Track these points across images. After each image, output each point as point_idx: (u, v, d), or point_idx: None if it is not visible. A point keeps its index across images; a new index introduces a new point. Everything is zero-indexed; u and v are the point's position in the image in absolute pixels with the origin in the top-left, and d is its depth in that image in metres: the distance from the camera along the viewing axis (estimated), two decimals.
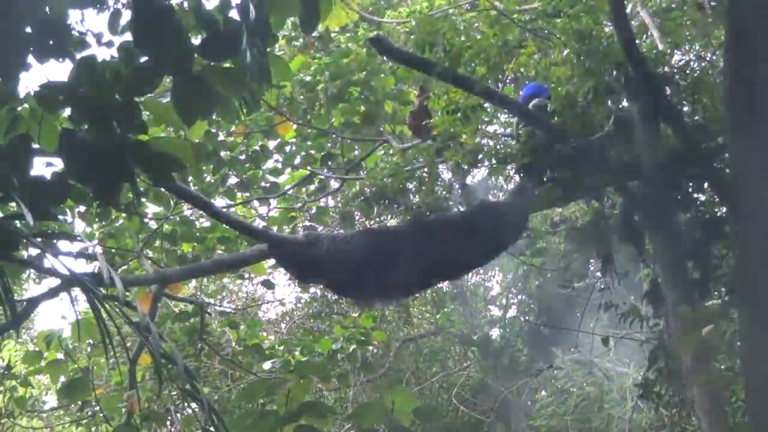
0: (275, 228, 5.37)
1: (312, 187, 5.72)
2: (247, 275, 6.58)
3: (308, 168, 5.40)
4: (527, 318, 8.64)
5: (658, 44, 3.82)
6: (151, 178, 2.17)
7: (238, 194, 5.31)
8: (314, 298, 8.57)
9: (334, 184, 5.65)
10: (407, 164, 3.96)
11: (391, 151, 4.74)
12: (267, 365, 4.16)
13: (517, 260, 5.10)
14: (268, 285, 5.47)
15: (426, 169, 3.96)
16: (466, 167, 3.78)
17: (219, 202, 5.18)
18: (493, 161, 3.75)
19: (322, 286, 6.27)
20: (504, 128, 4.55)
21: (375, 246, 3.36)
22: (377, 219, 5.29)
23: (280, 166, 5.54)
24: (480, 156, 3.74)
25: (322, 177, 5.47)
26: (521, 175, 3.76)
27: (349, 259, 3.30)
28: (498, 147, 3.74)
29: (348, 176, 5.29)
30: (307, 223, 5.53)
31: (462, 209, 3.99)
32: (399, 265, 3.29)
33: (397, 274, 3.28)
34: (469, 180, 4.19)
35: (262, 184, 5.45)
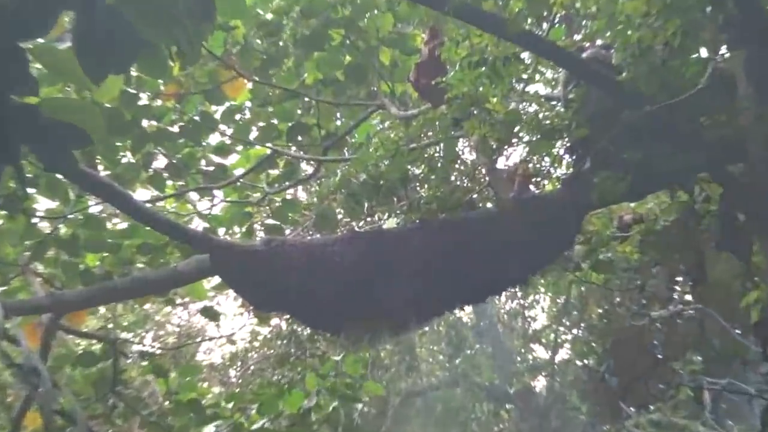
0: (221, 231, 5.49)
1: (275, 173, 5.78)
2: (180, 300, 6.69)
3: (269, 145, 5.49)
4: (586, 361, 8.71)
5: None
6: (42, 160, 2.18)
7: (169, 182, 5.38)
8: (277, 333, 8.61)
9: (307, 168, 5.68)
10: (412, 140, 4.01)
11: (388, 122, 4.83)
12: (209, 430, 4.22)
13: (570, 278, 5.15)
14: (211, 314, 5.52)
15: (439, 148, 4.12)
16: (495, 144, 3.86)
17: (141, 193, 5.34)
18: (535, 135, 3.82)
19: (288, 316, 6.32)
20: (550, 89, 4.68)
21: (366, 257, 3.50)
22: (368, 219, 5.51)
23: (228, 141, 5.61)
24: (515, 128, 3.82)
25: (289, 158, 5.53)
26: (574, 155, 3.87)
27: (327, 275, 3.47)
28: (541, 115, 3.80)
29: (327, 157, 5.30)
30: (269, 222, 5.61)
31: (491, 205, 4.09)
32: (400, 283, 3.48)
33: (397, 296, 3.48)
34: (501, 163, 4.28)
35: (203, 167, 5.52)
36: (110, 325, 6.39)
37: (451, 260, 3.57)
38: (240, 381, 8.41)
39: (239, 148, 5.90)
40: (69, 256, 4.55)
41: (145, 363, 5.63)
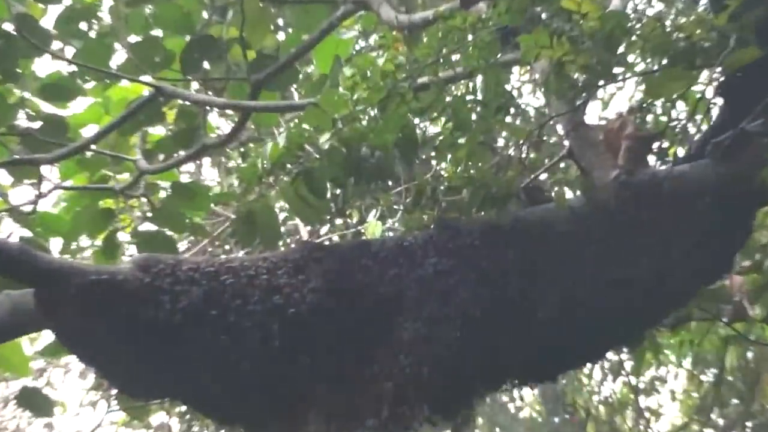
0: (57, 243, 5.64)
1: (158, 133, 5.95)
2: None
3: (147, 79, 5.57)
4: None
5: None
6: None
7: None
8: None
9: (220, 125, 6.08)
10: (422, 70, 4.01)
11: (377, 35, 4.97)
12: None
13: (724, 334, 5.17)
14: (37, 403, 5.51)
15: (472, 84, 4.14)
16: (582, 78, 3.91)
17: None
18: (657, 60, 3.86)
19: (183, 405, 6.47)
20: None
21: (334, 296, 3.63)
22: (338, 222, 5.57)
23: (68, 71, 5.75)
24: (620, 48, 3.82)
25: (187, 103, 5.67)
26: (734, 98, 3.94)
27: (260, 329, 3.57)
28: (668, 23, 3.80)
29: (258, 102, 5.47)
30: (146, 230, 5.67)
31: (574, 194, 4.21)
32: (400, 345, 3.59)
33: (394, 369, 3.57)
34: (592, 114, 4.42)
35: (22, 121, 5.63)
36: None
37: (496, 300, 3.61)
38: None
39: (90, 84, 5.95)
40: None
41: None
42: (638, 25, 3.85)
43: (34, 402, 5.65)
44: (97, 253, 5.70)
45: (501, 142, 4.74)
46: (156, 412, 8.10)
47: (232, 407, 3.77)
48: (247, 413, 3.79)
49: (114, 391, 5.21)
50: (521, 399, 12.46)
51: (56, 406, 6.03)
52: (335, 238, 5.84)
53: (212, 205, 6.52)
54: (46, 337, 4.43)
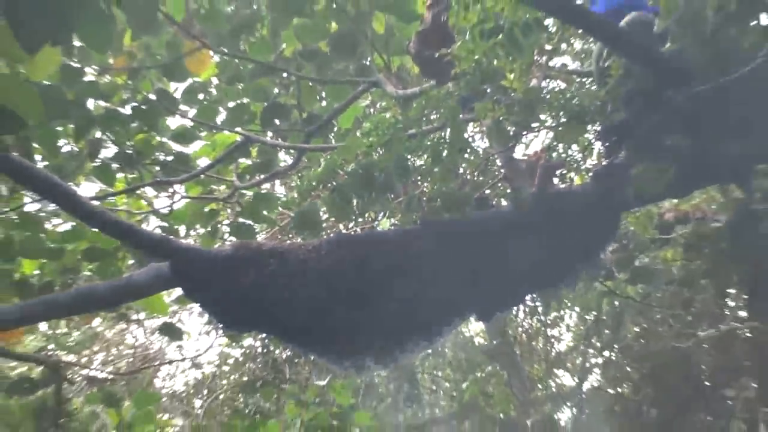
0: (183, 232, 5.61)
1: (246, 163, 5.94)
2: (135, 316, 6.74)
3: (239, 130, 5.59)
4: (620, 390, 8.68)
5: None
6: None
7: (119, 175, 5.41)
8: (250, 353, 8.68)
9: (286, 159, 5.73)
10: (411, 125, 4.13)
11: (383, 102, 5.04)
12: None
13: (601, 290, 5.12)
14: (172, 333, 5.65)
15: (444, 134, 4.16)
16: (512, 129, 3.98)
17: (86, 188, 6.23)
18: (561, 118, 3.89)
19: (263, 334, 6.67)
20: (580, 63, 4.90)
21: (357, 265, 3.65)
22: (359, 220, 5.48)
23: (190, 125, 5.75)
24: (537, 110, 3.88)
25: (264, 146, 5.62)
26: (608, 142, 3.96)
27: (309, 287, 3.58)
28: (569, 94, 3.92)
29: (309, 145, 5.37)
30: (239, 221, 5.51)
31: (507, 203, 4.20)
32: (397, 296, 3.61)
33: (394, 312, 3.60)
34: (519, 151, 4.32)
35: (161, 156, 5.62)
36: (52, 346, 6.45)
37: (456, 268, 3.69)
38: (206, 411, 8.35)
39: (204, 133, 6.03)
40: (2, 262, 4.56)
41: (93, 390, 5.72)
42: (548, 96, 3.84)
43: (171, 332, 5.64)
44: (204, 237, 5.65)
45: (462, 170, 4.46)
46: (246, 338, 7.89)
47: (294, 335, 3.66)
48: (303, 339, 3.68)
49: (220, 325, 5.07)
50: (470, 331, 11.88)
51: (184, 334, 5.88)
52: (357, 230, 5.53)
53: (280, 208, 6.12)
54: (178, 291, 4.25)
